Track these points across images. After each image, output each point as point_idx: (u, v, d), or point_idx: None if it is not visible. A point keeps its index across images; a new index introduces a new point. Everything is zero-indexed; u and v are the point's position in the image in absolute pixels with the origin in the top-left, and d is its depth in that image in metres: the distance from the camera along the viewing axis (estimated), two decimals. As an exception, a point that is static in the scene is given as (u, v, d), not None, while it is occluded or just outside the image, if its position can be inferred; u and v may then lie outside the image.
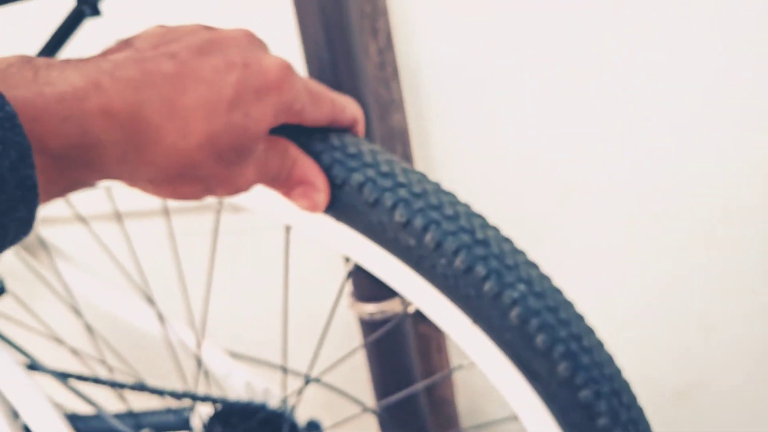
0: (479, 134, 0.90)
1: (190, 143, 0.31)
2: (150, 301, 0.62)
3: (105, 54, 0.32)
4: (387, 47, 0.87)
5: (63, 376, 0.63)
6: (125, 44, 0.33)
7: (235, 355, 0.75)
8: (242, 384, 0.72)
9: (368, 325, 0.88)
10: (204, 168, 0.33)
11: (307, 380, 0.55)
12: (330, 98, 0.41)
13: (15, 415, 0.77)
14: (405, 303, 0.89)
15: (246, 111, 0.33)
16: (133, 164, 0.31)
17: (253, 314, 1.13)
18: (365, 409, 0.62)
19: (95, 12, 0.48)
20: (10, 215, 0.24)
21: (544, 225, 0.91)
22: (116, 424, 0.52)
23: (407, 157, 0.92)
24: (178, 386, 0.88)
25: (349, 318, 1.04)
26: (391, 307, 0.87)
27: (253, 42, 0.35)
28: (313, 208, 0.41)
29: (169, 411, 0.72)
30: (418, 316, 0.98)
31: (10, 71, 0.27)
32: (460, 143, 0.91)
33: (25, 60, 0.28)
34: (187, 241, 1.12)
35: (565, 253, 0.92)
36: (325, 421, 0.75)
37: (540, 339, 0.42)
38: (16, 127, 0.24)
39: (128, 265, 0.88)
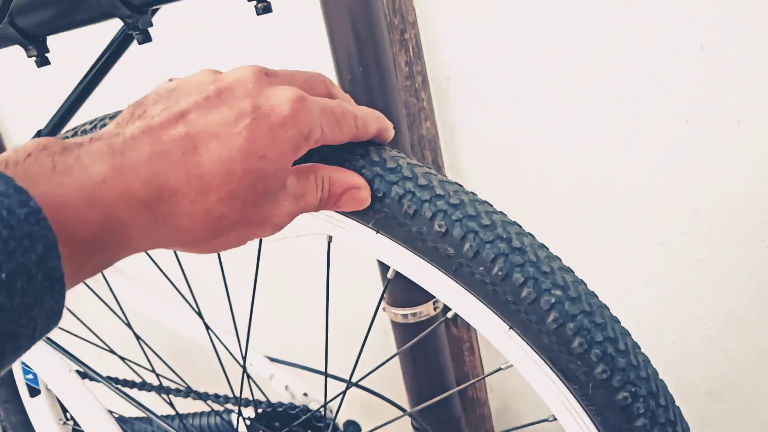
0: (506, 141, 0.91)
1: (210, 199, 0.31)
2: (196, 310, 0.65)
3: (118, 124, 0.32)
4: (416, 58, 0.89)
5: (115, 383, 0.66)
6: (136, 107, 0.33)
7: (274, 360, 0.77)
8: (282, 387, 0.75)
9: (401, 328, 0.90)
10: (231, 216, 0.33)
11: (349, 385, 0.57)
12: (352, 114, 0.39)
13: (64, 419, 0.81)
14: (441, 307, 0.90)
15: (262, 154, 0.32)
16: (160, 235, 0.31)
17: (287, 318, 1.15)
18: (405, 413, 0.64)
19: (147, 39, 0.50)
20: (38, 307, 0.24)
21: (571, 227, 0.92)
22: (167, 426, 0.55)
23: (437, 163, 0.94)
24: (217, 389, 0.91)
25: (380, 320, 1.06)
26: (423, 310, 0.88)
27: (261, 79, 0.34)
28: (361, 205, 0.44)
29: (213, 413, 0.75)
30: (451, 318, 1.00)
31: (29, 162, 0.27)
32: (487, 149, 0.93)
33: (41, 147, 0.28)
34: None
35: (594, 254, 0.92)
36: (358, 421, 0.77)
37: (577, 342, 0.44)
38: (42, 221, 0.24)
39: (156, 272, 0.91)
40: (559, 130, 0.88)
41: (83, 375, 0.73)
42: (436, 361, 0.90)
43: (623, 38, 0.81)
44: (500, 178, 0.93)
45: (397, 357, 0.95)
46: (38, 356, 0.67)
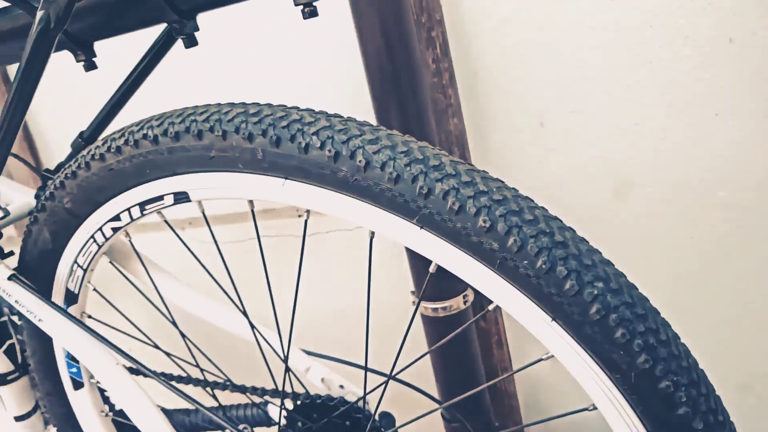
0: (533, 136, 0.92)
1: None
2: (241, 309, 0.67)
3: None
4: (443, 55, 0.90)
5: (165, 378, 0.68)
6: None
7: (310, 353, 0.79)
8: (318, 380, 0.77)
9: (432, 322, 0.91)
10: None
11: (389, 378, 0.59)
12: None
13: (106, 412, 0.83)
14: (471, 301, 0.91)
15: None
16: None
17: (317, 312, 1.17)
18: (440, 406, 0.65)
19: (193, 42, 0.52)
20: None
21: (599, 221, 0.93)
22: (218, 419, 0.56)
23: (465, 159, 0.95)
24: (247, 379, 0.93)
25: (409, 313, 1.08)
26: (453, 304, 0.90)
27: None
28: None
29: (252, 405, 0.77)
30: (480, 312, 1.01)
31: None
32: (514, 144, 0.93)
33: None
34: (249, 245, 1.17)
35: (622, 248, 0.93)
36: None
37: (619, 333, 0.45)
38: None
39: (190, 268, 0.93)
40: (586, 125, 0.89)
41: (133, 371, 0.75)
42: (466, 354, 0.92)
43: (652, 32, 0.82)
44: (527, 173, 0.94)
45: (426, 349, 0.96)
46: (86, 350, 0.69)
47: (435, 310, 0.90)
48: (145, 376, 0.66)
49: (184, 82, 1.10)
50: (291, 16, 0.99)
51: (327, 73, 1.00)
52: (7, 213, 0.67)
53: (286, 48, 1.01)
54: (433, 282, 0.88)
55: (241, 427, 0.57)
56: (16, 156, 0.70)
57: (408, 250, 0.87)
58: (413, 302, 0.93)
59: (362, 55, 0.85)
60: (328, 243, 1.08)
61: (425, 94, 0.86)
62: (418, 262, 0.87)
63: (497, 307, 1.00)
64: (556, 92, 0.89)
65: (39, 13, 0.44)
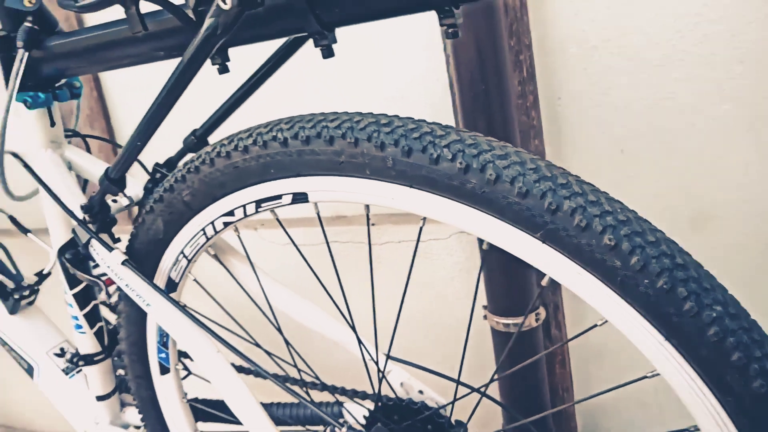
0: (612, 162, 0.94)
1: None
2: (350, 323, 0.69)
3: None
4: (529, 78, 0.92)
5: (281, 379, 0.71)
6: None
7: (392, 358, 0.81)
8: (398, 384, 0.79)
9: (502, 336, 0.93)
10: None
11: (482, 395, 0.61)
12: None
13: (187, 397, 0.87)
14: (543, 319, 0.93)
15: None
16: None
17: (385, 318, 1.19)
18: (522, 420, 0.67)
19: (331, 53, 0.55)
20: None
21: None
22: (322, 413, 0.59)
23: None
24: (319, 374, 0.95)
25: (476, 326, 1.10)
26: (525, 321, 0.92)
27: None
28: None
29: (332, 404, 0.80)
30: (546, 332, 1.02)
31: None
32: (593, 169, 0.95)
33: None
34: (318, 249, 1.20)
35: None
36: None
37: (736, 356, 0.46)
38: None
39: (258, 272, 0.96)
40: (667, 154, 0.91)
41: (241, 369, 0.78)
42: (534, 373, 0.93)
43: (743, 67, 0.83)
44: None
45: (493, 362, 0.98)
46: (190, 338, 0.72)
47: (507, 325, 0.92)
48: (247, 373, 0.69)
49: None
50: (374, 29, 1.02)
51: (407, 87, 1.04)
52: (131, 201, 0.71)
53: (366, 60, 1.05)
54: (509, 297, 0.90)
55: (341, 421, 0.59)
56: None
57: (486, 265, 0.89)
58: (484, 316, 0.95)
59: (455, 73, 0.88)
60: (399, 252, 1.11)
61: (513, 115, 0.89)
62: (495, 277, 0.89)
63: (563, 327, 1.01)
64: (638, 121, 0.91)
65: (208, 20, 0.48)
